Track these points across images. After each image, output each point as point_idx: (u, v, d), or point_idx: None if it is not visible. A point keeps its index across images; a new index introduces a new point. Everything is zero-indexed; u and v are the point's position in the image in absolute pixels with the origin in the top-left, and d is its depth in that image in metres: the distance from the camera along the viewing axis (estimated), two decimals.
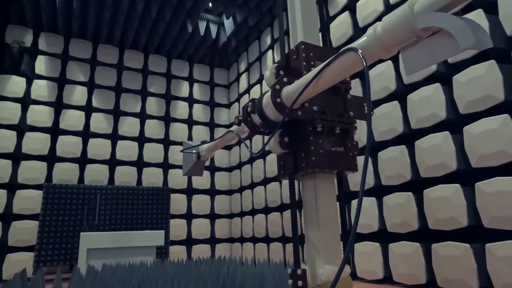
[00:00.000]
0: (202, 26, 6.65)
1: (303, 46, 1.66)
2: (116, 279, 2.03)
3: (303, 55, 1.64)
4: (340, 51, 1.24)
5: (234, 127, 2.23)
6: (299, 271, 1.39)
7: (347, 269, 1.27)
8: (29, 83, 5.90)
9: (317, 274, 1.30)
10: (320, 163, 1.50)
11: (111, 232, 4.38)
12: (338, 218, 1.57)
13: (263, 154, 6.11)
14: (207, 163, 7.10)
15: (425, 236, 3.17)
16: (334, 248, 1.43)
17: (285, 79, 1.55)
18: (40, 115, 5.77)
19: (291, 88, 1.49)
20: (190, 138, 7.18)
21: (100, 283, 2.04)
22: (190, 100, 7.39)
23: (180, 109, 7.20)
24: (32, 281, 2.27)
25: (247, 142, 6.78)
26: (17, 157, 5.53)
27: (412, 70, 1.06)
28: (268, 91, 1.62)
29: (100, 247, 4.27)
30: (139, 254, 4.45)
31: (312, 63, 1.65)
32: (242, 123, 1.92)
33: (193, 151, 2.93)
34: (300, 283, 1.37)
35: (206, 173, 7.09)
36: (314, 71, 1.36)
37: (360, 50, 1.14)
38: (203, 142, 2.90)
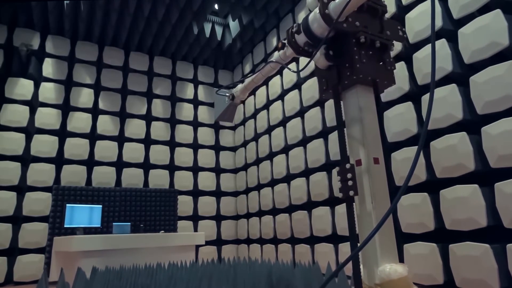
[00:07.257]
0: (207, 28, 6.66)
1: None
2: (155, 278, 2.03)
3: None
4: None
5: (274, 57, 2.26)
6: (347, 165, 1.48)
7: (405, 269, 1.27)
8: (36, 86, 5.89)
9: (375, 273, 1.30)
10: (363, 70, 1.59)
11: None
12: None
13: (270, 156, 6.12)
14: (213, 165, 7.13)
15: (442, 236, 3.17)
16: (390, 238, 1.47)
17: None
18: (47, 117, 5.77)
19: (338, 1, 1.58)
20: (195, 140, 7.17)
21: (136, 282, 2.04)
22: (195, 102, 7.40)
23: (185, 111, 7.21)
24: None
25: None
26: (26, 159, 5.52)
27: None
28: (310, 13, 1.72)
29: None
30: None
31: None
32: (285, 47, 2.01)
33: (226, 94, 2.89)
34: (349, 175, 1.45)
35: (212, 175, 7.09)
36: None
37: None
38: (238, 83, 2.86)
